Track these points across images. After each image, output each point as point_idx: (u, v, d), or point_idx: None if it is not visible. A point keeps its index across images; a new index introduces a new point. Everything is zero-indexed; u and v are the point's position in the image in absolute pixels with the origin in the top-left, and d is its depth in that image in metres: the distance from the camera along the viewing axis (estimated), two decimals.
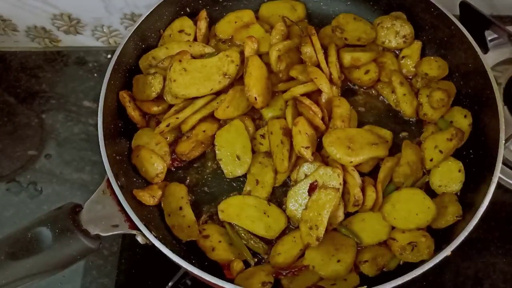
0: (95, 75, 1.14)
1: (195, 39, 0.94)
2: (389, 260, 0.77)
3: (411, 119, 0.91)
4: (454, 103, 0.88)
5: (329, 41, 0.92)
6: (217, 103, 0.86)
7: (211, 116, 0.87)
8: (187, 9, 0.96)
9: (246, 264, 0.78)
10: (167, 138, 0.87)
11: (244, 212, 0.80)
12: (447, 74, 0.91)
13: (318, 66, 0.88)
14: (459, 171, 0.81)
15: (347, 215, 0.79)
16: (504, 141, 0.76)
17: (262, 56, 0.89)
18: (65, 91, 1.12)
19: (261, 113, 0.88)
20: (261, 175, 0.83)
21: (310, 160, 0.79)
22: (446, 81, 0.91)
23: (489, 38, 0.93)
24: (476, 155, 0.83)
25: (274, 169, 0.83)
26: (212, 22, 0.97)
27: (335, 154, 0.79)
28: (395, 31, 0.92)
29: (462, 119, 0.85)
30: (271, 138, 0.83)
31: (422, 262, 0.71)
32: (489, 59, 0.86)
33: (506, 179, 0.95)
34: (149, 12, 0.90)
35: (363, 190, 0.78)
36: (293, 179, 0.82)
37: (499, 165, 0.75)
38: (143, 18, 0.89)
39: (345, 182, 0.77)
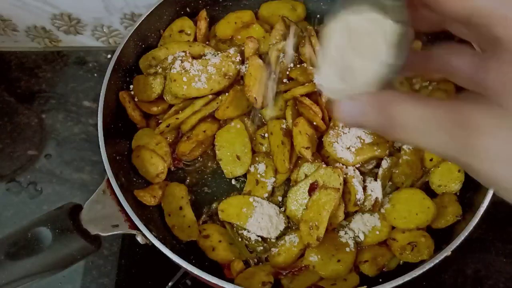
0: (95, 75, 1.14)
1: (195, 39, 0.94)
2: (389, 260, 0.77)
3: None
4: None
5: None
6: (217, 103, 0.86)
7: (211, 116, 0.87)
8: (187, 9, 0.96)
9: (246, 264, 0.79)
10: (167, 138, 0.87)
11: (244, 212, 0.80)
12: None
13: None
14: (459, 171, 0.81)
15: (347, 215, 0.80)
16: None
17: (262, 56, 0.90)
18: (65, 91, 1.12)
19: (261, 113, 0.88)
20: (261, 175, 0.83)
21: (310, 160, 0.79)
22: (446, 81, 0.91)
23: None
24: None
25: (274, 169, 0.83)
26: (212, 22, 0.97)
27: (335, 154, 0.79)
28: None
29: None
30: (271, 139, 0.83)
31: (422, 262, 0.71)
32: None
33: None
34: (149, 12, 0.90)
35: (363, 190, 0.78)
36: (293, 179, 0.82)
37: None
38: (143, 18, 0.89)
39: (345, 182, 0.77)
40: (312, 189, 0.77)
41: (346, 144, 0.80)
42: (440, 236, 0.76)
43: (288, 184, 0.84)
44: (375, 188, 0.79)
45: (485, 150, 0.34)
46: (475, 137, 0.34)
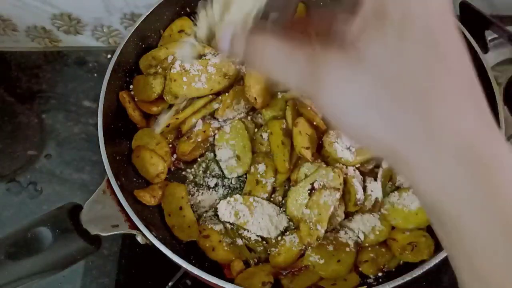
0: (95, 75, 1.14)
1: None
2: (389, 260, 0.77)
3: None
4: None
5: None
6: (217, 103, 0.86)
7: (211, 116, 0.87)
8: (187, 9, 0.96)
9: (246, 264, 0.78)
10: (167, 138, 0.87)
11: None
12: None
13: None
14: None
15: (347, 215, 0.80)
16: None
17: None
18: (65, 91, 1.12)
19: (261, 113, 0.88)
20: (261, 175, 0.83)
21: (310, 160, 0.79)
22: None
23: (489, 38, 0.93)
24: None
25: (274, 169, 0.83)
26: None
27: (335, 154, 0.79)
28: None
29: None
30: (271, 139, 0.83)
31: (422, 262, 0.71)
32: (489, 59, 0.86)
33: None
34: (149, 12, 0.90)
35: (363, 190, 0.78)
36: (293, 179, 0.82)
37: None
38: (143, 18, 0.89)
39: (345, 182, 0.77)
40: (312, 189, 0.77)
41: (346, 144, 0.80)
42: None
43: (288, 184, 0.84)
44: (375, 188, 0.79)
45: (329, 82, 0.35)
46: (324, 69, 0.36)
